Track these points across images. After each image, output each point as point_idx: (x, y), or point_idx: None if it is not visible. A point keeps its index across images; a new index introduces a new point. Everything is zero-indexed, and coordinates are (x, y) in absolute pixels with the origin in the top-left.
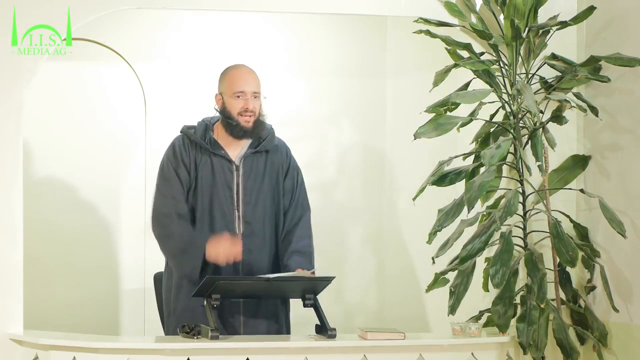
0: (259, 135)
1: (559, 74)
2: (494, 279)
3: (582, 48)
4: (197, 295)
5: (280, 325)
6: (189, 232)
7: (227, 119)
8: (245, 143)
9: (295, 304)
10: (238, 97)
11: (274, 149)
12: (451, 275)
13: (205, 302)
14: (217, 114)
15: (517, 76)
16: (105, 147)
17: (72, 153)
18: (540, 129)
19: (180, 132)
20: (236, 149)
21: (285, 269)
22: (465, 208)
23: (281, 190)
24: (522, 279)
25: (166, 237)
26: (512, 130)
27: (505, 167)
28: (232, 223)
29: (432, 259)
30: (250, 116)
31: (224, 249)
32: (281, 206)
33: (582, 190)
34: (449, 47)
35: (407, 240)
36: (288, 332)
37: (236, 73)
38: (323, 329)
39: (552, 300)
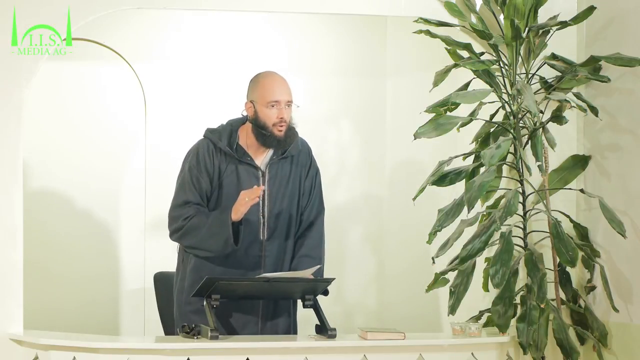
0: (290, 144)
1: (559, 74)
2: (494, 279)
3: (582, 48)
4: (197, 296)
5: (289, 324)
6: (206, 216)
7: (259, 128)
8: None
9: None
10: (272, 106)
11: (298, 153)
12: (451, 275)
13: (204, 302)
14: (241, 116)
15: (517, 76)
16: (104, 146)
17: (72, 153)
18: (540, 129)
19: (205, 136)
20: (261, 155)
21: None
22: (465, 208)
23: (301, 191)
24: (522, 279)
25: (187, 234)
26: (512, 130)
27: (505, 167)
28: (256, 230)
29: (432, 259)
30: (283, 125)
31: (242, 198)
32: (299, 207)
33: (582, 190)
34: (449, 47)
35: (407, 240)
36: (295, 331)
37: (269, 82)
38: (323, 329)
39: (552, 300)
